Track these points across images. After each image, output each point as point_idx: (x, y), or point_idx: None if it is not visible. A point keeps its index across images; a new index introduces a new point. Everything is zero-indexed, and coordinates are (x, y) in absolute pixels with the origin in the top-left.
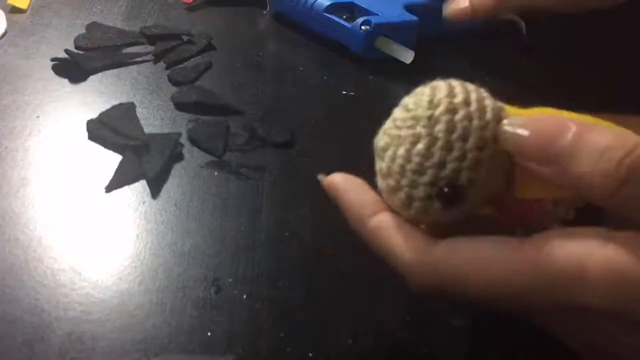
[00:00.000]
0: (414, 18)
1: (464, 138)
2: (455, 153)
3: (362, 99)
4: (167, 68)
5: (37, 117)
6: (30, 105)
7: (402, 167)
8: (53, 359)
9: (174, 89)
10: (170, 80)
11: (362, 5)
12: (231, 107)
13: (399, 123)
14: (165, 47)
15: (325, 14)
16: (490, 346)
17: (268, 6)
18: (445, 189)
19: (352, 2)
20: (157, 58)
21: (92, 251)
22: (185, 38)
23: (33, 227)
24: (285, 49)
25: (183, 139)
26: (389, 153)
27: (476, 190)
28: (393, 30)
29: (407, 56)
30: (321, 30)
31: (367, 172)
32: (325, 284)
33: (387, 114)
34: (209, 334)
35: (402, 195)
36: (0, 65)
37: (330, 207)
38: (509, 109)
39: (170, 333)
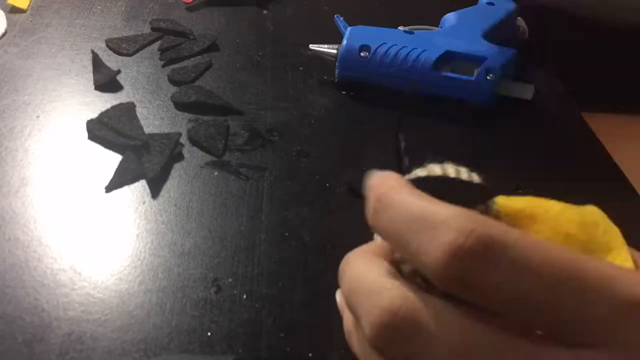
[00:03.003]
0: (513, 50)
1: None
2: None
3: (362, 99)
4: (164, 65)
5: (37, 117)
6: (30, 105)
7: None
8: (53, 359)
9: (174, 89)
10: (170, 80)
11: (459, 51)
12: (231, 107)
13: None
14: (171, 43)
15: (441, 73)
16: None
17: (336, 76)
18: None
19: (448, 51)
20: (162, 53)
21: (92, 251)
22: (190, 37)
23: (33, 227)
24: (285, 49)
25: (183, 139)
26: None
27: None
28: (506, 69)
29: (528, 92)
30: (425, 89)
31: (366, 172)
32: (325, 284)
33: (386, 114)
34: (209, 334)
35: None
36: (0, 65)
37: (330, 207)
38: (499, 200)
39: (170, 333)
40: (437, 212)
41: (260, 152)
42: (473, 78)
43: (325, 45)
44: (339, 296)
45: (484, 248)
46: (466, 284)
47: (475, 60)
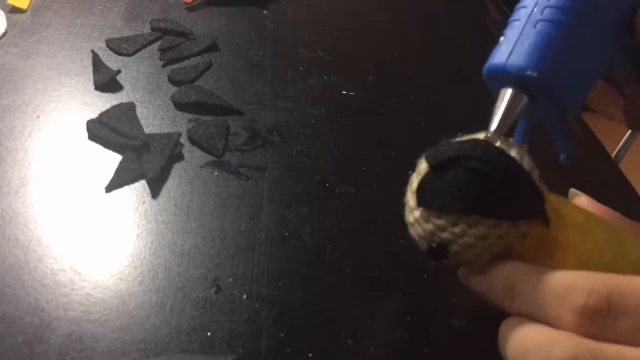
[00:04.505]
0: None
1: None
2: (457, 229)
3: (362, 99)
4: (164, 65)
5: (37, 117)
6: (30, 105)
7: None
8: (53, 359)
9: (174, 89)
10: (170, 80)
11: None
12: (231, 107)
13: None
14: (171, 43)
15: None
16: (490, 346)
17: None
18: (434, 245)
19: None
20: (162, 52)
21: (92, 251)
22: (190, 37)
23: (33, 227)
24: (285, 49)
25: (183, 139)
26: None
27: (458, 258)
28: None
29: None
30: None
31: (366, 172)
32: (325, 284)
33: (387, 114)
34: (209, 334)
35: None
36: (0, 65)
37: (330, 207)
38: (554, 202)
39: (170, 333)
40: (558, 281)
41: (260, 152)
42: None
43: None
44: None
45: (607, 302)
46: (604, 335)
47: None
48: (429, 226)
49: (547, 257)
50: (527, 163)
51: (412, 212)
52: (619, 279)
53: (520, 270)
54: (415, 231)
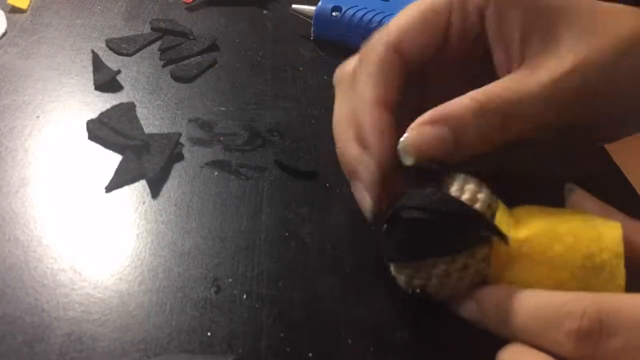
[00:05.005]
0: None
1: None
2: (422, 274)
3: None
4: (164, 65)
5: (37, 117)
6: (30, 105)
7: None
8: (53, 359)
9: (174, 89)
10: (172, 76)
11: None
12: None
13: None
14: (171, 43)
15: None
16: (490, 346)
17: (312, 35)
18: (417, 291)
19: None
20: (162, 52)
21: (92, 251)
22: (190, 37)
23: (33, 227)
24: (286, 49)
25: (183, 139)
26: None
27: (440, 295)
28: None
29: None
30: None
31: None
32: (325, 284)
33: None
34: (209, 334)
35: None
36: (0, 65)
37: (330, 207)
38: (501, 222)
39: (170, 333)
40: (549, 307)
41: (260, 152)
42: None
43: (306, 7)
44: None
45: (599, 323)
46: (598, 355)
47: None
48: (401, 277)
49: (523, 272)
50: (469, 192)
51: (390, 266)
52: (608, 299)
53: (507, 298)
54: (398, 282)
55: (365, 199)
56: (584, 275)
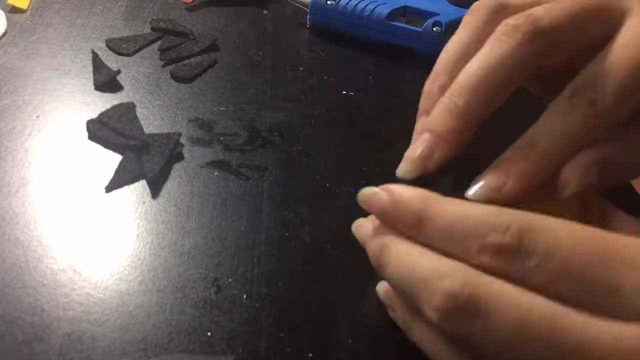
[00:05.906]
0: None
1: None
2: None
3: (362, 99)
4: (164, 65)
5: (37, 117)
6: (30, 105)
7: None
8: (53, 359)
9: (174, 89)
10: (172, 75)
11: (415, 7)
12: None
13: None
14: (171, 43)
15: (389, 22)
16: None
17: (308, 23)
18: None
19: (405, 6)
20: (162, 52)
21: (92, 251)
22: (190, 37)
23: (33, 227)
24: (286, 49)
25: (183, 139)
26: None
27: None
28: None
29: None
30: (381, 37)
31: (366, 172)
32: (325, 284)
33: (386, 114)
34: (209, 334)
35: None
36: (0, 65)
37: (330, 207)
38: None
39: (170, 333)
40: (476, 216)
41: (260, 152)
42: (420, 29)
43: None
44: (382, 287)
45: (519, 240)
46: (507, 272)
47: (428, 15)
48: None
49: None
50: None
51: None
52: (534, 219)
53: (428, 203)
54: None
55: (422, 147)
56: None
